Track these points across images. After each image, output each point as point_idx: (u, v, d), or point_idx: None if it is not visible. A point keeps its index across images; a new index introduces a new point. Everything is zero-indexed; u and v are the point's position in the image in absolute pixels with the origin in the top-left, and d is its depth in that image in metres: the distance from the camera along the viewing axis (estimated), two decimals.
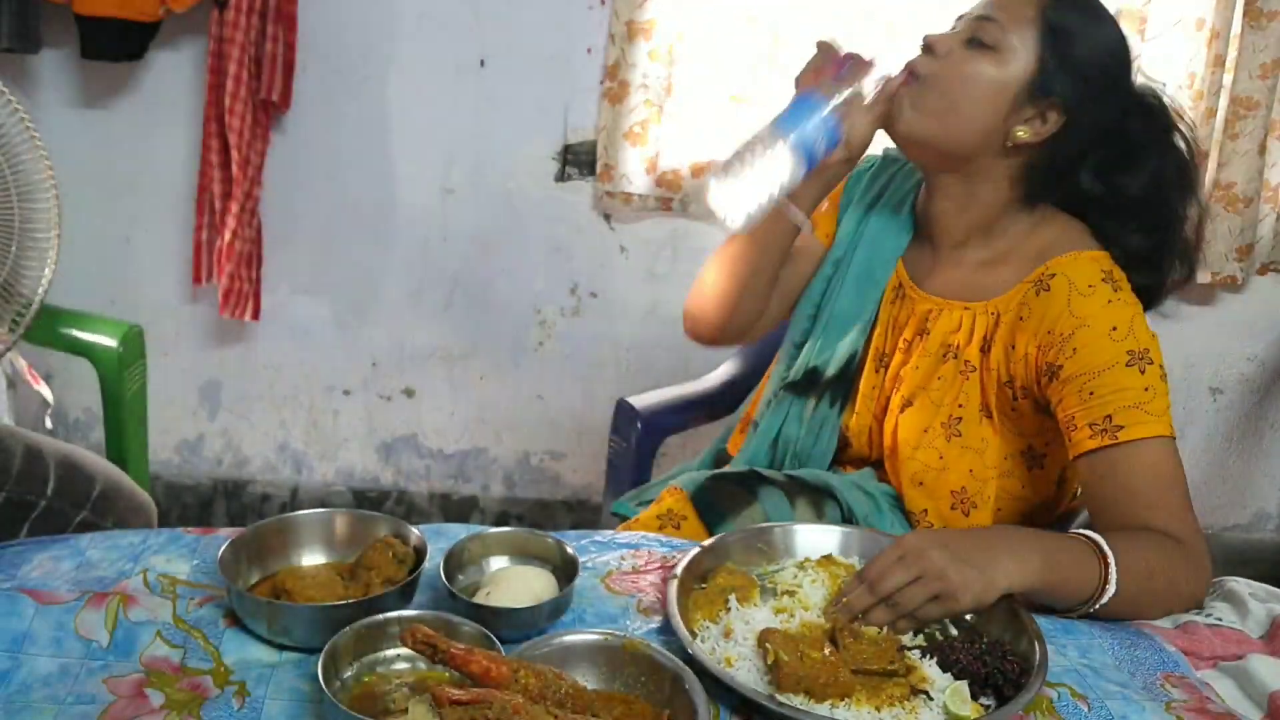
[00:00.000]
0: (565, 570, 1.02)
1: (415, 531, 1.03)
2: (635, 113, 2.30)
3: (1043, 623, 1.01)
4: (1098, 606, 1.04)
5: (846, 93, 1.18)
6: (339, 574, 1.01)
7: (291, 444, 2.61)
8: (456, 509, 2.66)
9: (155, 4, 2.12)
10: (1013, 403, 1.25)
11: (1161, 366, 1.16)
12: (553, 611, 0.97)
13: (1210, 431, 2.65)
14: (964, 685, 0.91)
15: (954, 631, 1.01)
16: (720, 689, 0.88)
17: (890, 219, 1.38)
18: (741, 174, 1.13)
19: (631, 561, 1.10)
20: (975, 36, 1.19)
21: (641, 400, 1.70)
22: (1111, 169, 1.25)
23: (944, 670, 0.93)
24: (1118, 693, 0.94)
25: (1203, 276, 2.42)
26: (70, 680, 0.86)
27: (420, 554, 1.00)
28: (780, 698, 0.87)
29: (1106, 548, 1.04)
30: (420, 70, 2.35)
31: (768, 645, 0.91)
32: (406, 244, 2.46)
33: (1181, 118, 1.28)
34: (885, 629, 0.97)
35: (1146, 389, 1.14)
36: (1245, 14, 2.23)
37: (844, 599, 0.99)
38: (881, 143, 1.28)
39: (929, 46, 1.21)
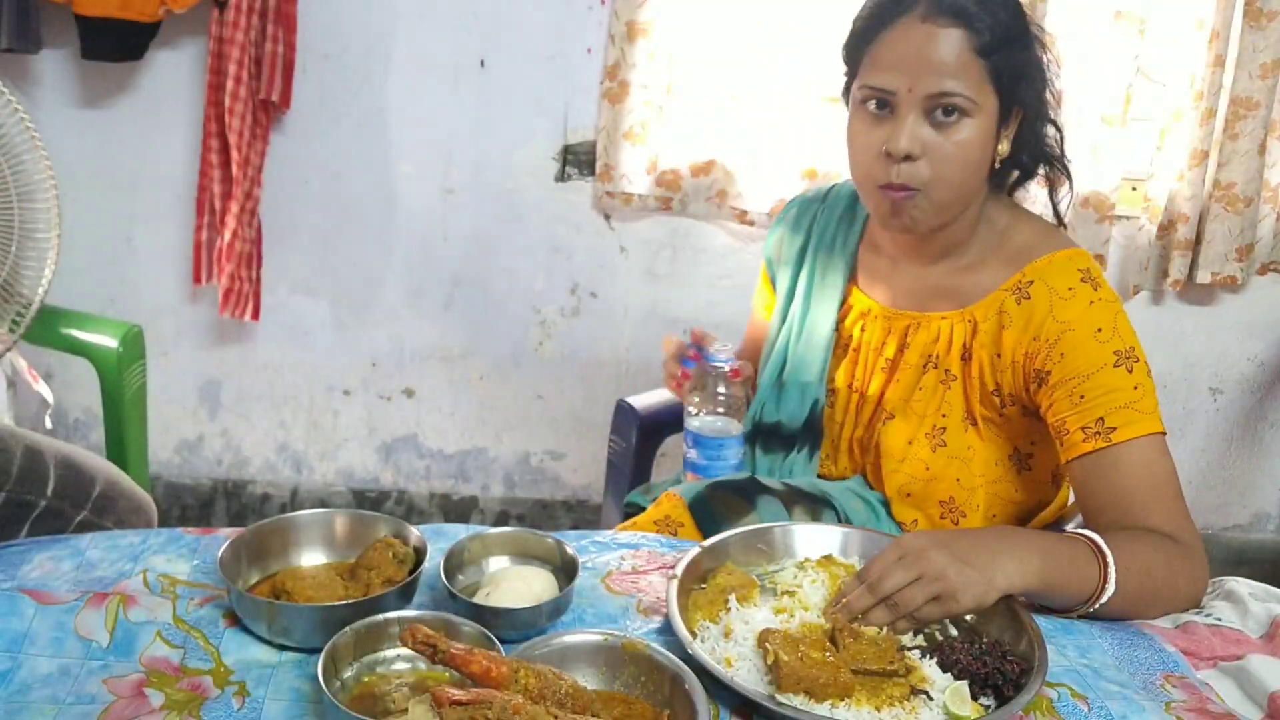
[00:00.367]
0: (565, 570, 1.02)
1: (415, 531, 1.03)
2: (635, 113, 2.30)
3: (1042, 623, 1.01)
4: (1097, 606, 1.04)
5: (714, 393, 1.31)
6: (339, 574, 1.01)
7: (291, 444, 2.62)
8: (456, 509, 2.66)
9: (155, 4, 2.12)
10: (1000, 410, 1.25)
11: (1146, 362, 1.16)
12: (553, 611, 0.97)
13: (1210, 431, 2.66)
14: (964, 685, 0.91)
15: (954, 632, 1.01)
16: (720, 689, 0.88)
17: (826, 261, 1.39)
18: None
19: (631, 561, 1.10)
20: (939, 116, 1.15)
21: (641, 400, 1.69)
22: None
23: (944, 670, 0.93)
24: (1117, 693, 0.94)
25: (1203, 276, 2.42)
26: (70, 680, 0.86)
27: (420, 554, 1.00)
28: (780, 698, 0.87)
29: (1105, 548, 1.04)
30: (420, 70, 2.35)
31: (768, 645, 0.91)
32: (406, 244, 2.47)
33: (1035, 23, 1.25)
34: (885, 629, 0.97)
35: (1136, 387, 1.14)
36: (1245, 14, 2.23)
37: (844, 599, 0.99)
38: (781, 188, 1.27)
39: (906, 155, 1.16)
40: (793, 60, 2.27)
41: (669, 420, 1.69)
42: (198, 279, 2.35)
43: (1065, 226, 1.33)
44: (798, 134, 2.30)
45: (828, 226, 1.41)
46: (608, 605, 1.02)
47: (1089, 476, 1.15)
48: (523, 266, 2.49)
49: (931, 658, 0.95)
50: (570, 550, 1.02)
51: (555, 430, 2.61)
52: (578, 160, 2.41)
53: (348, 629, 0.87)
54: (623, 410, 1.69)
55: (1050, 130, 1.26)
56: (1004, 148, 1.22)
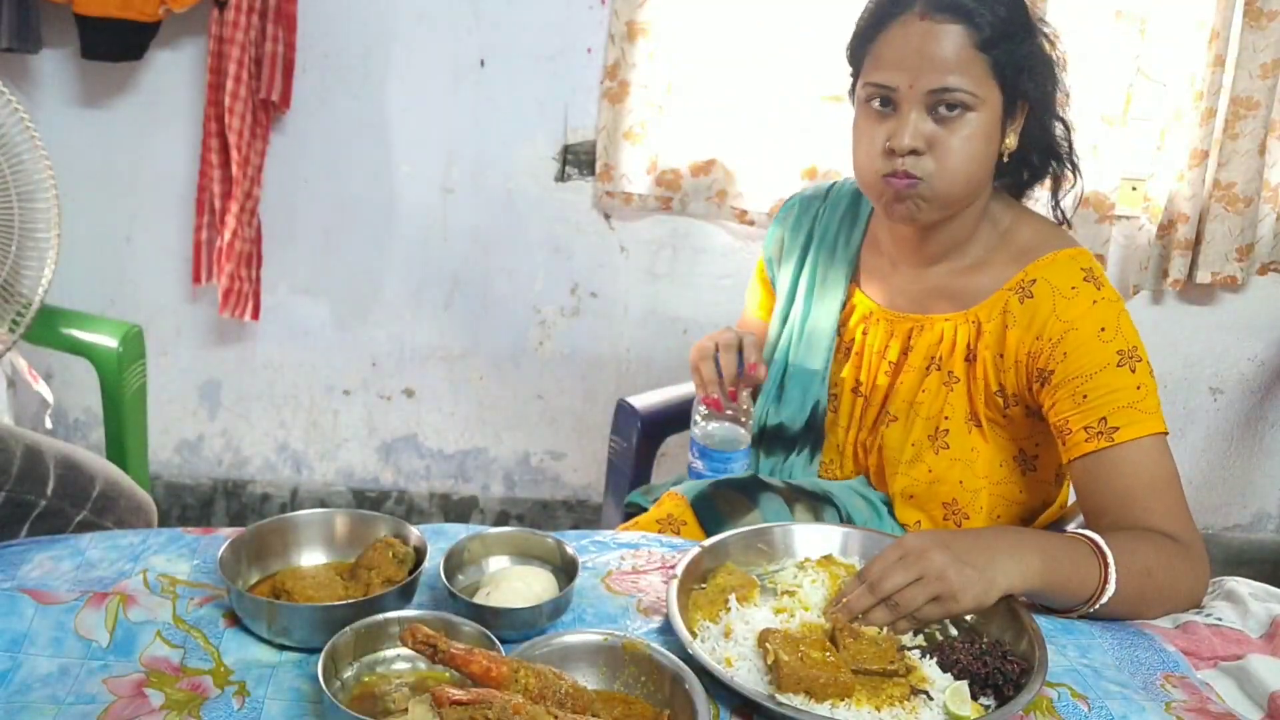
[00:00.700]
0: (565, 570, 1.02)
1: (415, 531, 1.03)
2: (635, 113, 2.30)
3: (1043, 623, 1.01)
4: (1097, 606, 1.04)
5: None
6: (339, 574, 1.01)
7: (291, 444, 2.62)
8: (456, 509, 2.66)
9: (155, 4, 2.12)
10: (1004, 410, 1.25)
11: (1148, 362, 1.16)
12: (553, 611, 0.97)
13: (1210, 431, 2.65)
14: (964, 685, 0.91)
15: (954, 631, 1.01)
16: (720, 689, 0.88)
17: (828, 262, 1.39)
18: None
19: (631, 561, 1.10)
20: (941, 111, 1.16)
21: (641, 400, 1.69)
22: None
23: (944, 670, 0.94)
24: (1118, 693, 0.94)
25: (1203, 276, 2.42)
26: (70, 680, 0.86)
27: (420, 554, 1.00)
28: (780, 698, 0.87)
29: (1106, 548, 1.04)
30: (420, 70, 2.35)
31: (768, 645, 0.91)
32: (406, 244, 2.46)
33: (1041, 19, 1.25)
34: (885, 629, 0.97)
35: (1138, 387, 1.14)
36: (1245, 14, 2.23)
37: (844, 599, 0.99)
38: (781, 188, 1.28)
39: (911, 150, 1.16)
40: (793, 60, 2.27)
41: (669, 420, 1.69)
42: (198, 279, 2.35)
43: (1070, 226, 1.33)
44: (798, 134, 2.30)
45: (830, 226, 1.41)
46: (608, 605, 1.02)
47: (1091, 476, 1.15)
48: (523, 266, 2.49)
49: (931, 658, 0.95)
50: (570, 550, 1.02)
51: (555, 430, 2.61)
52: (578, 160, 2.41)
53: (348, 629, 0.87)
54: (623, 410, 1.69)
55: (1059, 128, 1.26)
56: (1011, 142, 1.22)
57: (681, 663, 0.87)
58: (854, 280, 1.37)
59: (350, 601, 0.93)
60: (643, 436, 1.66)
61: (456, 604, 0.95)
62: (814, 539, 1.11)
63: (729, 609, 0.99)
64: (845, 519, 1.27)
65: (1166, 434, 1.14)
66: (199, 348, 2.52)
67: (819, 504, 1.27)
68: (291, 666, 0.90)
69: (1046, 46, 1.23)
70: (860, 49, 1.22)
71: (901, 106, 1.17)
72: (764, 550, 1.10)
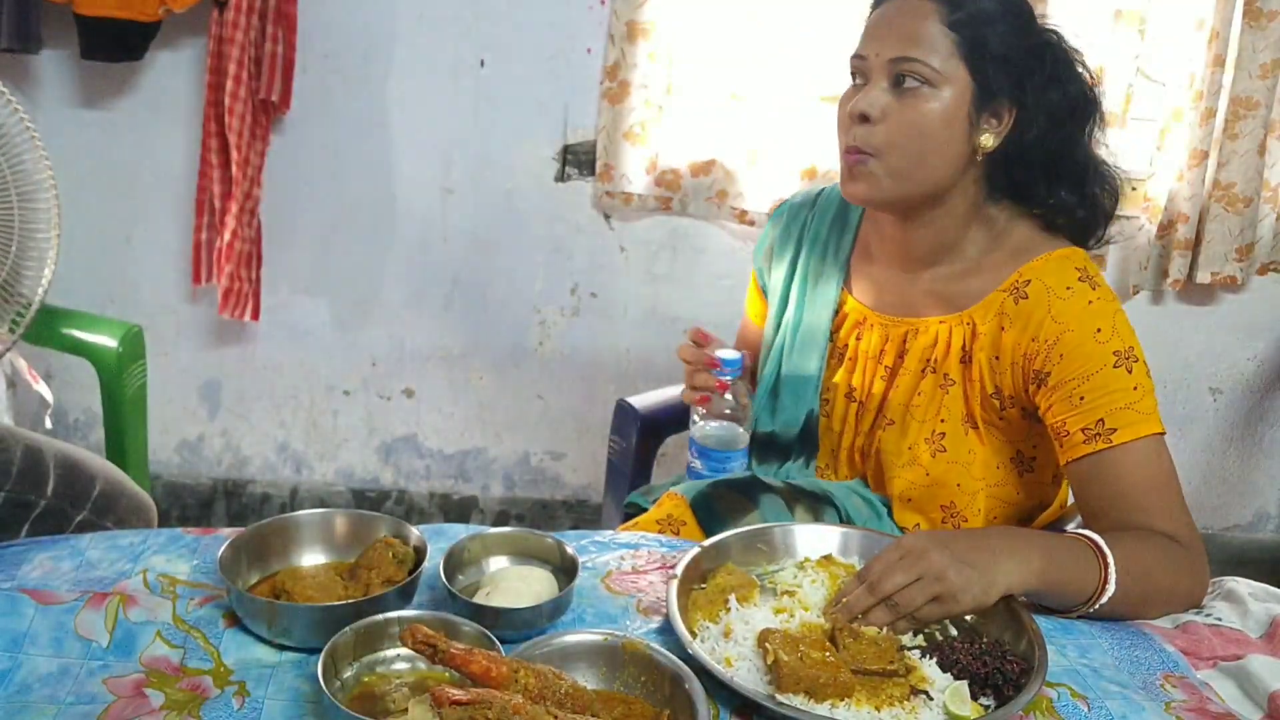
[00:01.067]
0: (565, 570, 1.02)
1: (415, 531, 1.03)
2: (635, 113, 2.30)
3: (1042, 623, 1.01)
4: (1097, 606, 1.04)
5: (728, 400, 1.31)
6: (339, 574, 1.01)
7: (291, 444, 2.62)
8: (456, 509, 2.66)
9: (155, 4, 2.12)
10: (1000, 412, 1.24)
11: (1145, 362, 1.16)
12: (553, 611, 0.97)
13: (1210, 431, 2.65)
14: (964, 685, 0.91)
15: (954, 631, 1.01)
16: (720, 689, 0.88)
17: (819, 268, 1.38)
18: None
19: (631, 561, 1.10)
20: (902, 83, 1.16)
21: (641, 400, 1.69)
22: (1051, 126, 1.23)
23: (944, 670, 0.93)
24: (1117, 693, 0.94)
25: (1203, 276, 2.42)
26: (70, 680, 0.86)
27: (420, 554, 1.00)
28: (780, 698, 0.87)
29: (1105, 548, 1.04)
30: (420, 70, 2.35)
31: (768, 645, 0.91)
32: (406, 244, 2.46)
33: (1079, 52, 1.25)
34: (885, 629, 0.97)
35: (1135, 388, 1.14)
36: (1245, 14, 2.23)
37: (844, 599, 0.99)
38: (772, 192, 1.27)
39: (862, 115, 1.17)
40: (793, 60, 2.27)
41: (669, 420, 1.69)
42: (197, 279, 2.35)
43: (1100, 245, 1.30)
44: (798, 134, 2.30)
45: (819, 231, 1.40)
46: (608, 605, 1.02)
47: (1089, 478, 1.15)
48: (523, 266, 2.49)
49: (931, 658, 0.95)
50: (570, 550, 1.02)
51: (555, 430, 2.61)
52: (578, 160, 2.41)
53: (348, 629, 0.87)
54: (623, 410, 1.69)
55: (1079, 158, 1.23)
56: (987, 140, 1.20)
57: (681, 663, 0.87)
58: (845, 285, 1.36)
59: (350, 601, 0.93)
60: (642, 436, 1.66)
61: (456, 604, 0.95)
62: (814, 539, 1.11)
63: (729, 609, 0.99)
64: (845, 519, 1.26)
65: (1164, 434, 1.14)
66: (199, 348, 2.52)
67: (819, 504, 1.27)
68: (291, 666, 0.90)
69: (1081, 75, 1.21)
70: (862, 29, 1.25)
71: (870, 76, 1.19)
72: (764, 550, 1.10)
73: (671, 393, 1.73)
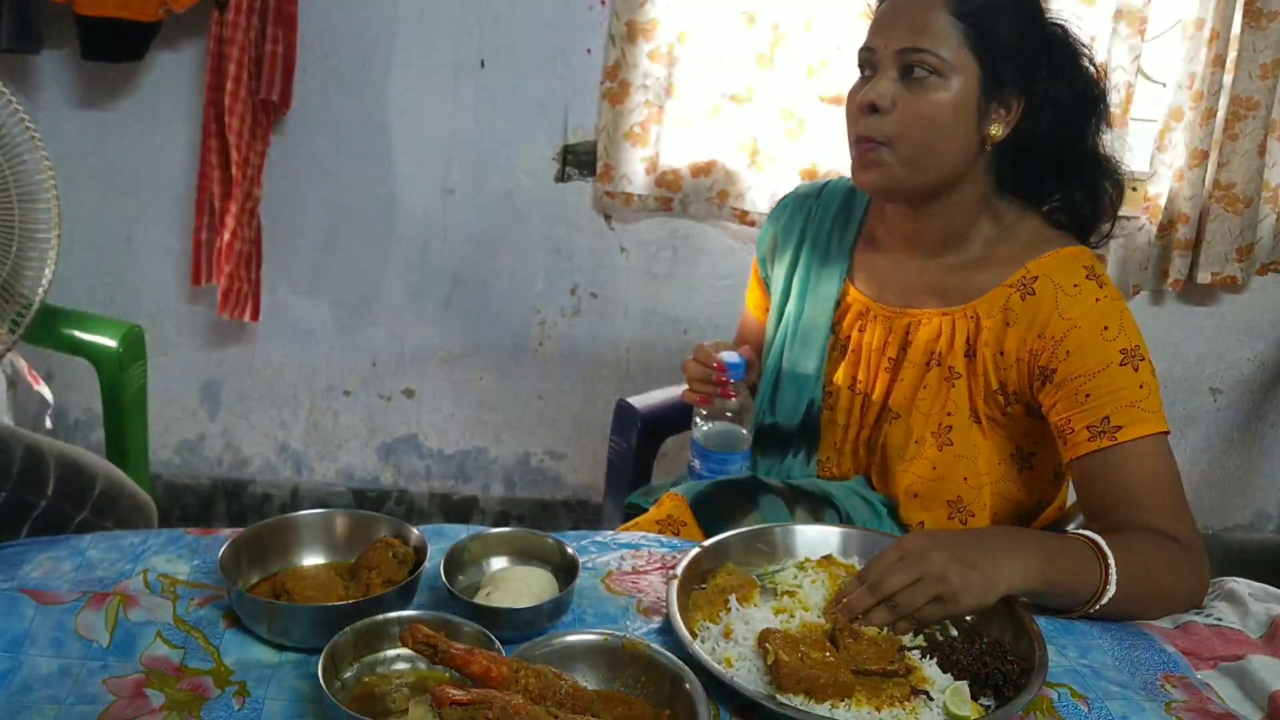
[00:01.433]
0: (565, 570, 1.02)
1: (415, 531, 1.03)
2: (635, 113, 2.30)
3: (1043, 623, 1.01)
4: (1098, 607, 1.04)
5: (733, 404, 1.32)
6: (339, 574, 1.01)
7: (291, 444, 2.62)
8: (456, 509, 2.66)
9: (155, 4, 2.12)
10: (1004, 408, 1.24)
11: (1150, 360, 1.16)
12: (553, 611, 0.97)
13: (1210, 431, 2.66)
14: (964, 685, 0.91)
15: (954, 632, 1.01)
16: (720, 689, 0.88)
17: (822, 259, 1.38)
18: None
19: (631, 562, 1.10)
20: (912, 73, 1.17)
21: (641, 400, 1.69)
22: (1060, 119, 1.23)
23: (944, 670, 0.93)
24: (1118, 693, 0.94)
25: (1203, 276, 2.42)
26: (70, 680, 0.86)
27: (420, 554, 1.00)
28: (780, 698, 0.87)
29: (1106, 548, 1.04)
30: (420, 70, 2.35)
31: (768, 645, 0.91)
32: (406, 244, 2.46)
33: (1086, 46, 1.25)
34: (885, 629, 0.97)
35: (1141, 386, 1.14)
36: (1245, 14, 2.23)
37: (844, 600, 0.99)
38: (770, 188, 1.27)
39: (871, 106, 1.18)
40: (793, 60, 2.27)
41: (669, 420, 1.69)
42: (197, 279, 2.35)
43: (1104, 242, 1.31)
44: (798, 134, 2.30)
45: (823, 223, 1.40)
46: (608, 605, 1.02)
47: (1093, 475, 1.15)
48: (523, 266, 2.49)
49: (932, 658, 0.95)
50: (570, 550, 1.02)
51: (555, 430, 2.61)
52: (578, 160, 2.41)
53: (348, 629, 0.87)
54: (623, 410, 1.69)
55: (1087, 151, 1.24)
56: (996, 130, 1.20)
57: (681, 663, 0.87)
58: (848, 277, 1.37)
59: (350, 602, 0.93)
60: (643, 436, 1.66)
61: (456, 604, 0.95)
62: (814, 539, 1.11)
63: (729, 609, 0.99)
64: (845, 520, 1.26)
65: (1168, 434, 1.14)
66: (199, 348, 2.52)
67: (819, 505, 1.27)
68: (292, 667, 0.90)
69: (1087, 69, 1.22)
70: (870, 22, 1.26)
71: (879, 67, 1.19)
72: (764, 550, 1.10)
73: (672, 393, 1.73)
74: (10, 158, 1.58)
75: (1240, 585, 1.15)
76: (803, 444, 1.38)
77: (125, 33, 2.17)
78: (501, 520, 2.66)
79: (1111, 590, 1.03)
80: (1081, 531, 1.08)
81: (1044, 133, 1.22)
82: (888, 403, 1.31)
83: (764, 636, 0.93)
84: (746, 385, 1.33)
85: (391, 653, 0.90)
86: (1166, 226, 2.40)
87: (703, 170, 2.35)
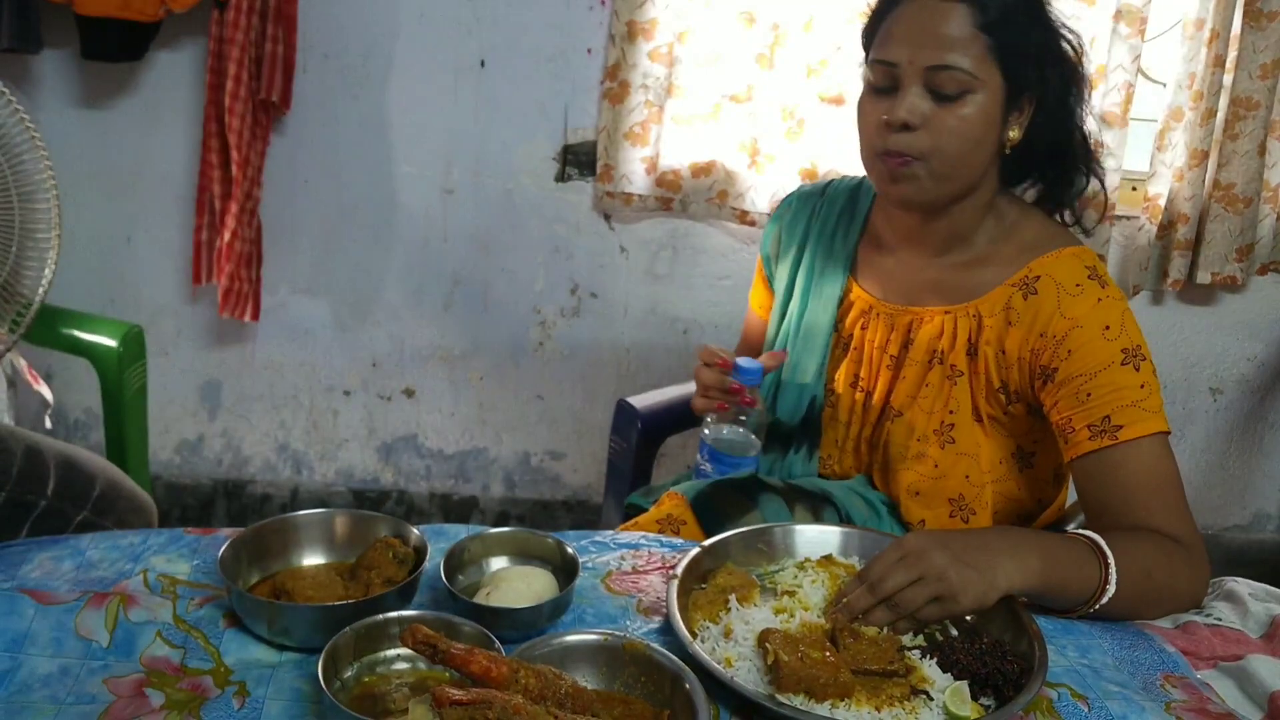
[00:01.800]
0: (565, 570, 1.02)
1: (415, 531, 1.03)
2: (635, 113, 2.30)
3: (1042, 623, 1.01)
4: (1097, 607, 1.04)
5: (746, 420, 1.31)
6: (339, 574, 1.01)
7: (291, 444, 2.62)
8: (456, 509, 2.66)
9: (155, 4, 2.12)
10: (1006, 407, 1.24)
11: (1151, 360, 1.16)
12: (553, 611, 0.97)
13: (1210, 431, 2.66)
14: (964, 685, 0.91)
15: (954, 632, 1.01)
16: (720, 689, 0.88)
17: (825, 257, 1.39)
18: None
19: (631, 562, 1.10)
20: (940, 89, 1.16)
21: (641, 400, 1.69)
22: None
23: (944, 670, 0.93)
24: (1117, 693, 0.94)
25: (1203, 277, 2.42)
26: (70, 680, 0.86)
27: (420, 554, 1.00)
28: (780, 698, 0.87)
29: (1106, 548, 1.04)
30: (420, 70, 2.35)
31: (768, 645, 0.91)
32: (406, 244, 2.46)
33: (1066, 25, 1.25)
34: (885, 629, 0.97)
35: (1142, 386, 1.14)
36: (1245, 14, 2.23)
37: (844, 599, 0.99)
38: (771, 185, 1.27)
39: (904, 124, 1.17)
40: (793, 60, 2.27)
41: (669, 420, 1.69)
42: (197, 279, 2.35)
43: (1085, 231, 1.32)
44: (798, 134, 2.30)
45: (827, 222, 1.40)
46: (608, 605, 1.02)
47: (1093, 475, 1.15)
48: (523, 266, 2.49)
49: (932, 658, 0.95)
50: (570, 550, 1.02)
51: (555, 430, 2.61)
52: (578, 160, 2.41)
53: (348, 629, 0.87)
54: (623, 410, 1.69)
55: (1077, 135, 1.25)
56: (1014, 134, 1.21)
57: (681, 663, 0.87)
58: (851, 276, 1.37)
59: (350, 602, 0.93)
60: (643, 436, 1.66)
61: (456, 604, 0.95)
62: (814, 539, 1.11)
63: (729, 609, 0.99)
64: (845, 519, 1.26)
65: (1169, 433, 1.14)
66: (199, 348, 2.52)
67: (819, 504, 1.27)
68: (291, 667, 0.90)
69: (1069, 51, 1.22)
70: (871, 31, 1.23)
71: (902, 82, 1.17)
72: (764, 550, 1.10)
73: (671, 393, 1.73)
74: (10, 158, 1.58)
75: (1240, 585, 1.15)
76: (804, 441, 1.38)
77: (125, 32, 2.16)
78: (501, 520, 2.66)
79: (1111, 590, 1.03)
80: (1081, 531, 1.08)
81: (1049, 125, 1.23)
82: (889, 401, 1.31)
83: (764, 636, 0.93)
84: (760, 390, 1.33)
85: (391, 653, 0.90)
86: (1166, 226, 2.40)
87: (703, 170, 2.35)
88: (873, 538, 1.11)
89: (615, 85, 2.29)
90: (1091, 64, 1.30)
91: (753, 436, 1.31)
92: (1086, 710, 0.92)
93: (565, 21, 2.32)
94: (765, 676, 0.91)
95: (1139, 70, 2.28)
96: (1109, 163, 2.30)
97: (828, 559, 1.09)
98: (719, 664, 0.90)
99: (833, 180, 1.46)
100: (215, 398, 2.57)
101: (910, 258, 1.31)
